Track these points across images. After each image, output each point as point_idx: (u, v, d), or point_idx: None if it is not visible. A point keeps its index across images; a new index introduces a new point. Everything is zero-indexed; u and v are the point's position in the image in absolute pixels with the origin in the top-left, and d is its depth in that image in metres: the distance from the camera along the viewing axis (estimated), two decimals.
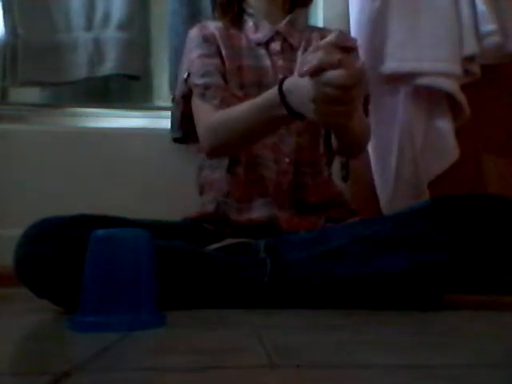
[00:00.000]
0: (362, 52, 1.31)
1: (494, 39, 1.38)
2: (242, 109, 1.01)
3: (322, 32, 1.20)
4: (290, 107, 0.89)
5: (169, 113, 1.47)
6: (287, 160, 1.10)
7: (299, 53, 1.16)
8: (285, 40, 1.17)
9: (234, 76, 1.12)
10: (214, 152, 1.08)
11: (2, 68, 1.49)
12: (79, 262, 0.82)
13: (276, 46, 1.16)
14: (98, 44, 1.48)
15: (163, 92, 1.62)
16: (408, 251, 0.89)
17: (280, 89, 0.89)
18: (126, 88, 1.65)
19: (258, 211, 1.06)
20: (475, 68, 1.41)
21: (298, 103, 0.87)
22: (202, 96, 1.09)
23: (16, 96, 1.59)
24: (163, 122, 1.51)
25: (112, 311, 0.68)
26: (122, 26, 1.49)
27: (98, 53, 1.48)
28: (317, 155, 1.14)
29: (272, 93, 0.92)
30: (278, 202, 1.07)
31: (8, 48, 1.47)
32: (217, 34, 1.15)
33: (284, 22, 1.17)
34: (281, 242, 0.96)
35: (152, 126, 1.57)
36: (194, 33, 1.17)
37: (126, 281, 0.70)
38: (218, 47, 1.14)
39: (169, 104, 1.48)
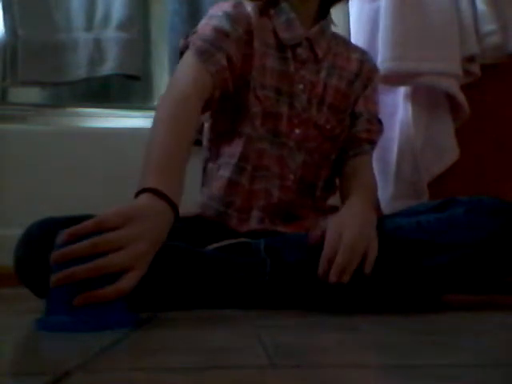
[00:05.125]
0: None
1: (494, 39, 1.38)
2: (166, 140, 0.85)
3: (347, 49, 1.17)
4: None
5: None
6: (292, 177, 1.07)
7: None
8: (312, 48, 1.10)
9: (259, 74, 1.05)
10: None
11: (2, 68, 1.49)
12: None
13: (303, 52, 1.09)
14: (98, 44, 1.48)
15: (163, 92, 1.62)
16: (409, 252, 0.89)
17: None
18: (126, 88, 1.65)
19: (257, 223, 1.04)
20: (475, 68, 1.41)
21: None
22: (200, 54, 0.96)
23: (16, 96, 1.59)
24: None
25: (79, 310, 0.66)
26: (121, 26, 1.49)
27: (98, 53, 1.48)
28: (321, 176, 1.12)
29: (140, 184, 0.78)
30: (274, 216, 1.06)
31: (8, 48, 1.47)
32: (253, 18, 1.05)
33: (315, 28, 1.10)
34: (281, 241, 0.96)
35: None
36: (226, 6, 1.04)
37: (93, 279, 0.66)
38: (250, 33, 1.04)
39: None
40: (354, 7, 1.48)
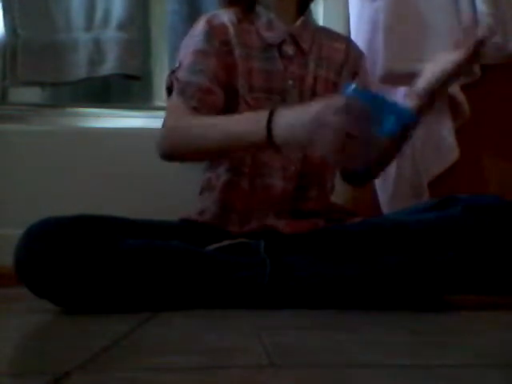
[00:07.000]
0: None
1: (494, 39, 1.38)
2: (213, 129, 0.97)
3: (331, 39, 1.18)
4: (275, 143, 0.88)
5: None
6: (293, 168, 1.08)
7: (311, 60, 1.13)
8: (297, 43, 1.11)
9: (245, 78, 1.07)
10: (165, 157, 1.06)
11: (2, 68, 1.49)
12: (79, 262, 0.83)
13: (288, 49, 1.10)
14: (98, 44, 1.48)
15: (163, 92, 1.62)
16: (408, 251, 0.89)
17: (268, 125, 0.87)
18: (126, 88, 1.65)
19: (259, 220, 1.04)
20: (475, 68, 1.41)
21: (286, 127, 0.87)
22: (181, 92, 1.04)
23: (16, 96, 1.59)
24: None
25: None
26: (121, 26, 1.49)
27: (97, 53, 1.48)
28: (325, 167, 1.11)
29: (256, 126, 0.89)
30: (278, 209, 1.06)
31: (8, 48, 1.46)
32: (230, 27, 1.08)
33: (297, 23, 1.12)
34: (281, 242, 0.96)
35: (152, 126, 1.56)
36: (200, 25, 1.09)
37: None
38: (228, 43, 1.07)
39: None
40: (354, 7, 1.48)
